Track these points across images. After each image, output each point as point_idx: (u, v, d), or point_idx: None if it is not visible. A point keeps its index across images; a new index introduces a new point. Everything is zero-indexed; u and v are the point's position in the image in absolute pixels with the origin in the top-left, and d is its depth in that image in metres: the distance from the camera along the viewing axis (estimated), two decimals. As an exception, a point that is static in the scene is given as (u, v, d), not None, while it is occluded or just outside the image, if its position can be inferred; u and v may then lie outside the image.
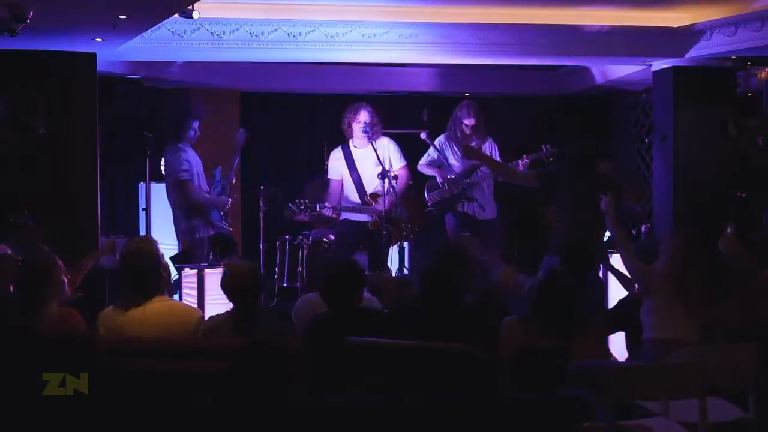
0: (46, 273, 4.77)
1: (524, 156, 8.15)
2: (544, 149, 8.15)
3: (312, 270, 7.97)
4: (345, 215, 8.16)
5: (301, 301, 5.70)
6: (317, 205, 7.98)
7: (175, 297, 6.79)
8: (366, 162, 8.15)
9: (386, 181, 8.00)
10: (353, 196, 8.24)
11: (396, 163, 8.23)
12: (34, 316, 4.64)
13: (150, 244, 5.11)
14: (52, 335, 4.48)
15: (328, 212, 8.06)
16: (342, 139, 8.34)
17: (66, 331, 4.62)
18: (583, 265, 5.66)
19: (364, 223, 8.14)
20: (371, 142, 8.05)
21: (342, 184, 8.24)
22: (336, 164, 8.26)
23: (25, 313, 4.66)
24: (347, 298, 4.87)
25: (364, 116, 8.07)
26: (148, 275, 4.87)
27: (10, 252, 5.24)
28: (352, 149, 8.20)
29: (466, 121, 8.28)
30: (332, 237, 8.26)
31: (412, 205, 8.38)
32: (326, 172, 8.44)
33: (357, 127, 8.09)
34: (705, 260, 5.24)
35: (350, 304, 4.87)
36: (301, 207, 7.95)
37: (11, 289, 4.93)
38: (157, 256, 5.00)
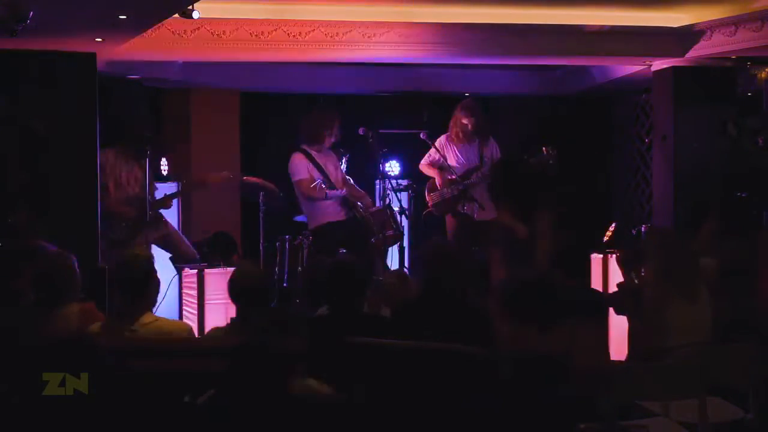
0: (65, 273, 4.79)
1: (525, 157, 8.15)
2: (544, 150, 8.15)
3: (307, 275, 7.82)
4: (317, 222, 7.98)
5: None
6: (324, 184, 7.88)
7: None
8: (329, 165, 8.10)
9: (386, 181, 8.04)
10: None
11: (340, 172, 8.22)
12: (53, 315, 4.67)
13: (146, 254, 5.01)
14: (52, 336, 4.49)
15: (336, 192, 7.92)
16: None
17: (80, 329, 4.63)
18: (580, 267, 5.67)
19: (341, 222, 7.96)
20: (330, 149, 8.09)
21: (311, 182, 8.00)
22: (303, 165, 8.01)
23: (44, 312, 4.68)
24: (346, 301, 4.84)
25: (337, 125, 8.07)
26: (143, 285, 4.69)
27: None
28: (313, 153, 8.10)
29: (466, 121, 8.28)
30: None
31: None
32: (293, 174, 8.11)
33: (328, 135, 8.06)
34: (688, 251, 5.25)
35: (349, 307, 4.83)
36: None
37: (29, 287, 4.94)
38: (150, 265, 4.83)
